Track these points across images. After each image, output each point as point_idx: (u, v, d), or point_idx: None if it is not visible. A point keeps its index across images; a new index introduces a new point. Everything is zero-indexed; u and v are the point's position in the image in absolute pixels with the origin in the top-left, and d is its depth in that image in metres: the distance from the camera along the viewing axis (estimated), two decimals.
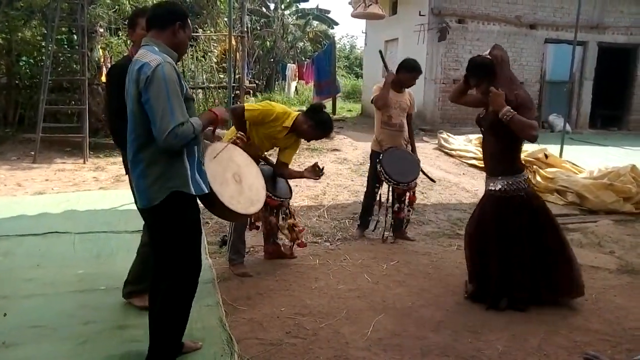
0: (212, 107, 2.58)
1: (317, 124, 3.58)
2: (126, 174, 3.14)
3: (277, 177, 3.79)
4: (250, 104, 3.66)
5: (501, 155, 3.26)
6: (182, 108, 2.18)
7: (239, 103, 9.21)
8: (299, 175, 3.84)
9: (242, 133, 3.04)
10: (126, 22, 2.99)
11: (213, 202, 2.47)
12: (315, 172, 3.75)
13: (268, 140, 3.64)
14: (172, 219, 2.30)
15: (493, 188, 3.28)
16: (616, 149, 9.90)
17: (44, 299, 3.21)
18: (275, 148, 3.83)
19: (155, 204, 2.26)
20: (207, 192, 2.38)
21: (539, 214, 3.29)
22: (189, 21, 2.41)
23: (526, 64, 12.78)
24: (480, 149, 8.33)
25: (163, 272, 2.37)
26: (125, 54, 3.20)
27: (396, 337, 2.87)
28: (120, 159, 3.29)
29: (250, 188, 2.76)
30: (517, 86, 3.24)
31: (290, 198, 3.95)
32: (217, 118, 2.43)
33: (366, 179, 4.89)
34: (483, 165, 8.09)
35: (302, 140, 3.76)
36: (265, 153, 3.75)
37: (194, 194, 2.31)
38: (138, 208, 2.41)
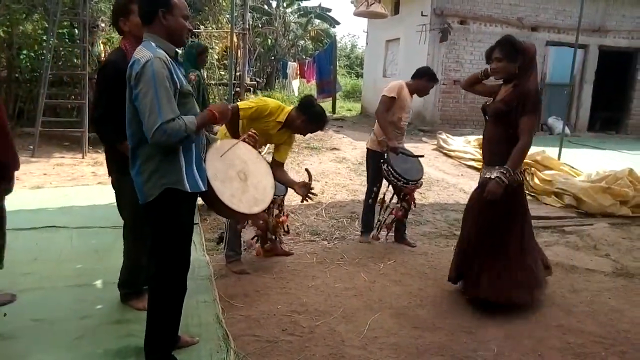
0: (212, 105, 2.44)
1: (311, 118, 3.54)
2: (109, 175, 3.11)
3: None
4: (244, 102, 3.61)
5: (501, 145, 3.20)
6: (172, 104, 2.12)
7: (239, 100, 9.21)
8: (291, 183, 3.70)
9: (253, 130, 2.96)
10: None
11: (213, 200, 2.41)
12: (306, 188, 3.57)
13: (262, 136, 3.61)
14: (163, 216, 2.28)
15: (489, 176, 3.19)
16: (614, 153, 9.93)
17: (41, 293, 3.22)
18: (269, 145, 3.79)
19: (149, 200, 2.25)
20: (204, 189, 2.34)
21: (524, 212, 3.32)
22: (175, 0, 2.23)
23: None
24: (480, 151, 8.40)
25: (154, 269, 2.37)
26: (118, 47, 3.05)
27: (392, 336, 2.89)
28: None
29: (256, 187, 2.64)
30: (534, 84, 3.17)
31: (284, 195, 3.91)
32: (215, 118, 2.33)
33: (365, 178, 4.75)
34: (482, 164, 8.12)
35: (299, 136, 3.72)
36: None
37: (189, 191, 2.27)
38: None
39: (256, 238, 3.93)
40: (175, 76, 2.19)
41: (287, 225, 4.01)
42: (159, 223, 2.31)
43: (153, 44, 2.20)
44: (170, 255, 2.34)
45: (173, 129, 2.09)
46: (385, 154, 4.24)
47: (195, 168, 2.30)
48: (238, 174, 2.59)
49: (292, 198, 5.54)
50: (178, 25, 2.26)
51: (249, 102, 3.58)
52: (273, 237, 3.90)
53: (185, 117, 2.18)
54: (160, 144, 2.14)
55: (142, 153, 2.23)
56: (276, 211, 3.85)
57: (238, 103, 3.57)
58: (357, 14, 9.18)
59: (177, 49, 2.33)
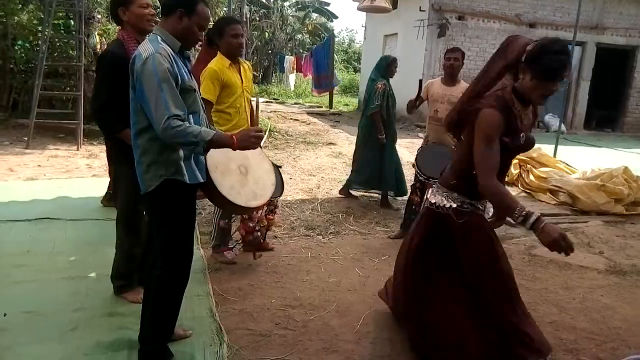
0: (235, 133, 2.30)
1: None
2: (109, 164, 3.11)
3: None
4: (202, 89, 3.44)
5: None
6: (177, 98, 2.13)
7: None
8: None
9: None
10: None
11: (211, 191, 2.41)
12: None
13: (240, 91, 3.56)
14: (164, 207, 2.30)
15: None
16: (610, 150, 9.97)
17: (34, 285, 3.21)
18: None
19: (149, 191, 2.26)
20: (202, 181, 2.34)
21: None
22: (201, 8, 2.24)
23: None
24: None
25: (156, 258, 2.37)
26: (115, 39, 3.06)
27: (385, 331, 2.89)
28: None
29: (257, 182, 2.64)
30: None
31: (279, 196, 3.77)
32: (234, 144, 2.23)
33: None
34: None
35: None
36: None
37: (188, 182, 2.28)
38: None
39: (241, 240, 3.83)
40: (176, 70, 2.18)
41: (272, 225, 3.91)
42: (160, 213, 2.33)
43: (159, 38, 2.21)
44: (173, 246, 2.34)
45: (184, 129, 2.08)
46: (420, 148, 4.45)
47: (193, 160, 2.31)
48: (239, 167, 2.60)
49: (288, 193, 5.55)
50: (190, 32, 2.26)
51: (204, 86, 3.40)
52: (258, 233, 3.78)
53: (204, 128, 2.17)
54: (167, 140, 2.13)
55: (141, 144, 2.25)
56: (266, 208, 3.69)
57: (202, 95, 3.42)
58: (361, 9, 9.04)
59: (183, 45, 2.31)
